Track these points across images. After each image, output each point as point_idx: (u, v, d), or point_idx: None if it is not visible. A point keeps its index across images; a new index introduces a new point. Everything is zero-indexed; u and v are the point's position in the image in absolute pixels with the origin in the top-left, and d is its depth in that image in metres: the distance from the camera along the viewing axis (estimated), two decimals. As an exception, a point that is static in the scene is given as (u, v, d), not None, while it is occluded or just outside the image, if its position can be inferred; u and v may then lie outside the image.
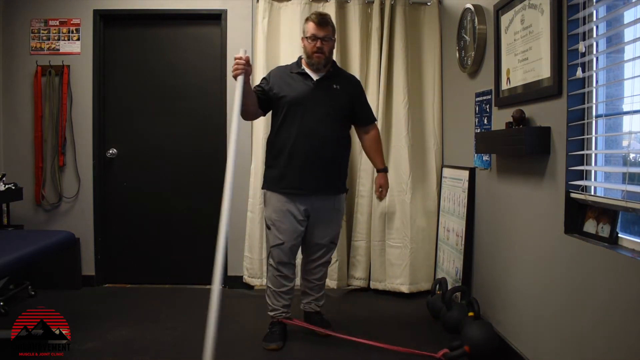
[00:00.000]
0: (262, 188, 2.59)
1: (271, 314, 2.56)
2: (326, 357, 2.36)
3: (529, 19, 2.09)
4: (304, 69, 2.50)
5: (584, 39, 1.76)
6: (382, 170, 2.73)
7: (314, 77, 2.48)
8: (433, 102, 3.37)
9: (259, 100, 2.48)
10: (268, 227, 2.52)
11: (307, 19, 2.49)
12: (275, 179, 2.48)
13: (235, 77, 2.21)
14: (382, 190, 2.74)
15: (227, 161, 2.04)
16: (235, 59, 2.21)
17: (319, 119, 2.44)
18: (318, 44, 2.42)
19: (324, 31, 2.43)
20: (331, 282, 3.23)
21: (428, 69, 3.40)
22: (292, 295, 2.58)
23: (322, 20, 2.42)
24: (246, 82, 2.24)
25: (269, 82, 2.51)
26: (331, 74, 2.52)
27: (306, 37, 2.46)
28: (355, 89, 2.61)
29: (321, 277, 2.65)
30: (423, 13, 3.41)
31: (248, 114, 2.48)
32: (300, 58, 2.55)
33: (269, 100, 2.50)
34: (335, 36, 2.61)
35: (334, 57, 3.24)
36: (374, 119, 2.72)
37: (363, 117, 2.64)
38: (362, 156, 3.33)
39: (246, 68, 2.21)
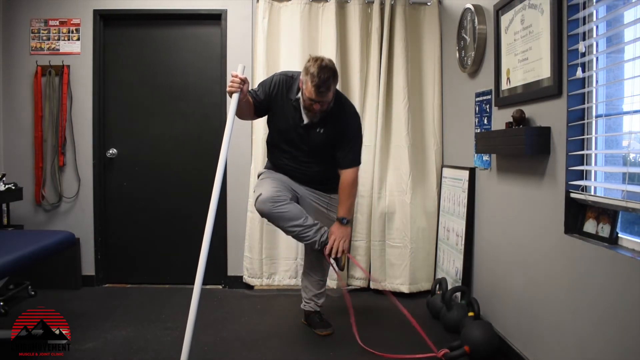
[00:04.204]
0: (264, 168, 2.68)
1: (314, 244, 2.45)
2: (327, 357, 2.36)
3: (529, 19, 2.09)
4: (299, 102, 2.39)
5: (584, 39, 1.76)
6: (340, 220, 2.44)
7: (305, 119, 2.39)
8: (433, 102, 3.37)
9: (254, 107, 2.44)
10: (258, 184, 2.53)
11: (307, 70, 2.25)
12: (270, 167, 2.62)
13: (229, 94, 2.21)
14: (335, 241, 2.40)
15: (216, 173, 2.09)
16: (232, 75, 2.19)
17: (303, 153, 2.48)
18: (316, 106, 2.30)
19: (324, 98, 2.28)
20: (331, 282, 3.23)
21: (428, 69, 3.40)
22: (310, 219, 2.44)
23: (322, 90, 2.23)
24: (241, 100, 2.23)
25: (267, 95, 2.43)
26: (323, 117, 2.37)
27: (304, 93, 2.29)
28: (341, 134, 2.43)
29: (323, 274, 2.68)
30: (423, 13, 3.41)
31: (245, 118, 2.54)
32: (300, 81, 2.37)
33: (265, 110, 2.50)
34: (337, 83, 2.37)
35: (334, 58, 3.26)
36: (352, 165, 2.46)
37: (340, 162, 2.46)
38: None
39: (241, 87, 2.18)
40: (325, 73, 2.21)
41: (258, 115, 2.52)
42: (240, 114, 2.39)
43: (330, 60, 2.30)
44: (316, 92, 2.23)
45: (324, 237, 2.45)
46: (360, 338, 2.42)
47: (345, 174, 2.45)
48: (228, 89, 2.21)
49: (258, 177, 2.64)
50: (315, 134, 2.42)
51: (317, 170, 2.52)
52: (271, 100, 2.44)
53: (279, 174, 2.54)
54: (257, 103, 2.43)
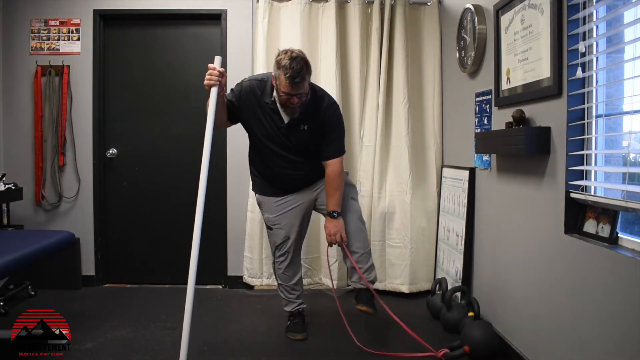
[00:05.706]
0: (252, 190, 2.64)
1: (288, 308, 2.66)
2: (327, 357, 2.36)
3: (529, 19, 2.09)
4: (275, 104, 2.30)
5: (584, 39, 1.76)
6: (330, 214, 2.39)
7: (285, 119, 2.32)
8: (433, 102, 3.37)
9: (228, 112, 2.35)
10: (270, 228, 2.54)
11: (278, 64, 2.15)
12: (262, 187, 2.55)
13: (207, 87, 2.13)
14: (332, 236, 2.39)
15: (201, 170, 2.09)
16: (210, 68, 2.12)
17: (288, 155, 2.40)
18: (293, 100, 2.21)
19: (299, 90, 2.18)
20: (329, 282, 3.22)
21: (428, 69, 3.40)
22: (302, 285, 2.70)
23: (297, 81, 2.13)
24: (219, 94, 2.15)
25: (239, 102, 2.34)
26: (303, 112, 2.30)
27: (279, 89, 2.20)
28: (324, 127, 2.38)
29: (363, 244, 2.50)
30: (423, 13, 3.41)
31: (220, 123, 2.36)
32: (273, 77, 2.27)
33: (236, 116, 2.39)
34: (311, 76, 2.27)
35: (334, 58, 3.27)
36: (338, 154, 2.41)
37: (325, 153, 2.40)
38: (361, 156, 3.34)
39: (219, 80, 2.12)
40: (298, 63, 2.13)
41: (230, 119, 2.40)
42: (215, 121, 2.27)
43: (300, 51, 2.22)
44: (291, 84, 2.14)
45: None
46: (359, 338, 2.42)
47: (331, 166, 2.38)
48: (206, 82, 2.12)
49: (257, 201, 2.60)
50: (299, 132, 2.35)
51: (308, 170, 2.46)
52: (241, 106, 2.35)
53: (282, 205, 2.50)
54: (229, 103, 2.34)
